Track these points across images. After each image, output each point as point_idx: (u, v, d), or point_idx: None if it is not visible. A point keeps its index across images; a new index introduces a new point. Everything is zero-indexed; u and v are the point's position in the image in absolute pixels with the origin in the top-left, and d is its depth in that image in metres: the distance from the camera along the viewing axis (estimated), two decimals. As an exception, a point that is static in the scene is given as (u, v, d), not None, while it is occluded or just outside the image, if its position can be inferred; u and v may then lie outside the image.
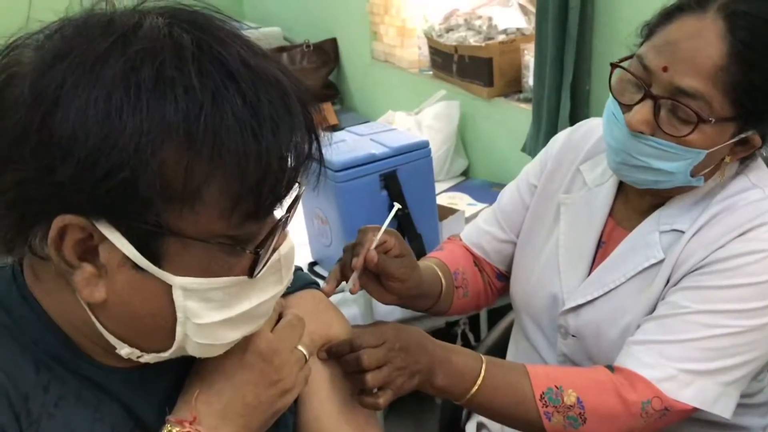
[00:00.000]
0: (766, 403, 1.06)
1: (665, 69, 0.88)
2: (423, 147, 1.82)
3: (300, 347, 0.76)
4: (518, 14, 2.32)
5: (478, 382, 0.90)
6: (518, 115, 2.23)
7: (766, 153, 1.01)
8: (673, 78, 0.87)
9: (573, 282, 1.05)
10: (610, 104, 0.95)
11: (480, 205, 2.17)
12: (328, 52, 3.39)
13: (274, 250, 0.65)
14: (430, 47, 2.60)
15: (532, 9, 2.31)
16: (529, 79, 2.23)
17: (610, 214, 1.05)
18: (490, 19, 2.33)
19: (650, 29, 0.94)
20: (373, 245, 0.91)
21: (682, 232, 0.96)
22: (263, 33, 3.70)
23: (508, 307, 1.37)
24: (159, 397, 0.71)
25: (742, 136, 0.91)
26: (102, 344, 0.65)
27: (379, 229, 0.94)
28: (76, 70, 0.54)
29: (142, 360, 0.66)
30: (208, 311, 0.62)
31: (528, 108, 2.18)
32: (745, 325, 0.89)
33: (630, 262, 0.99)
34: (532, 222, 1.14)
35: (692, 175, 0.93)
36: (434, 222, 1.87)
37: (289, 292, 0.80)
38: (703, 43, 0.86)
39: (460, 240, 1.23)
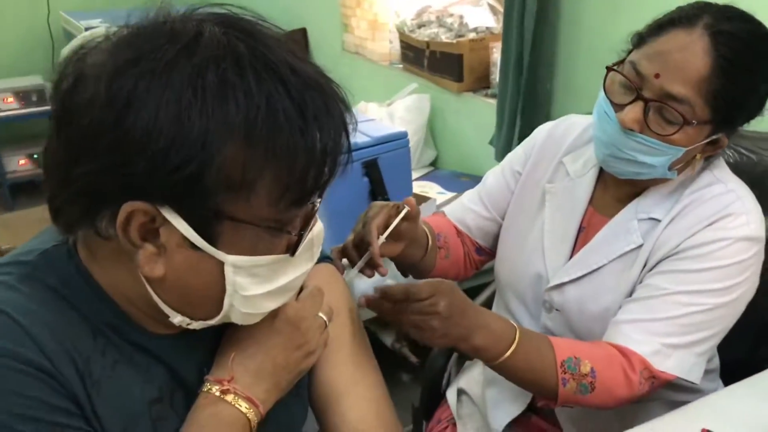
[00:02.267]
0: (715, 370, 1.21)
1: (657, 76, 1.00)
2: (402, 137, 1.94)
3: (320, 314, 0.87)
4: (488, 14, 2.45)
5: (513, 347, 1.00)
6: (486, 110, 2.37)
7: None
8: (664, 84, 0.99)
9: (557, 262, 1.18)
10: (603, 103, 1.07)
11: (449, 194, 2.30)
12: (298, 42, 3.47)
13: (304, 241, 0.73)
14: (402, 42, 2.72)
15: (501, 9, 2.45)
16: (497, 76, 2.37)
17: (590, 202, 1.18)
18: (461, 17, 2.46)
19: (642, 38, 1.05)
20: (379, 242, 1.02)
21: (659, 220, 1.09)
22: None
23: (483, 286, 1.52)
24: (199, 360, 0.80)
25: (714, 137, 1.05)
26: (152, 314, 0.74)
27: (382, 222, 1.04)
28: (147, 75, 0.62)
29: (191, 327, 0.75)
30: (253, 285, 0.72)
31: (493, 102, 2.32)
32: (715, 302, 1.03)
33: (612, 245, 1.12)
34: (517, 206, 1.26)
35: (669, 169, 1.07)
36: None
37: None
38: (691, 55, 0.98)
39: (444, 215, 1.35)
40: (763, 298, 1.10)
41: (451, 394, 1.38)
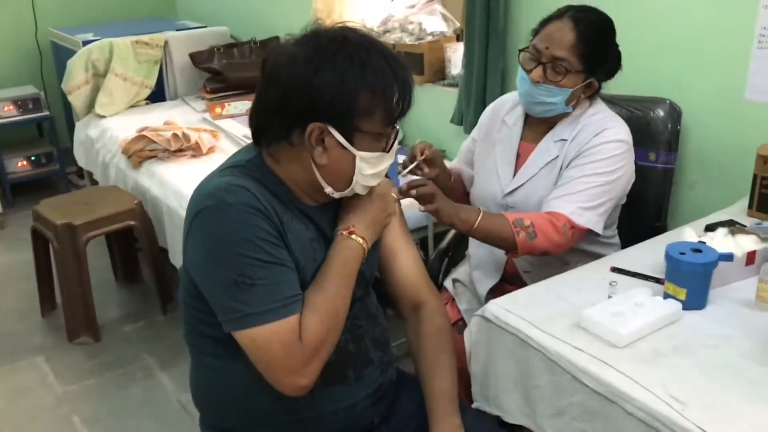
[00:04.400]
0: (616, 244, 1.88)
1: (547, 48, 1.68)
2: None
3: (393, 194, 1.45)
4: (441, 21, 3.09)
5: (480, 216, 1.62)
6: (443, 96, 3.00)
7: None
8: (552, 52, 1.67)
9: (506, 178, 1.82)
10: (521, 72, 1.74)
11: (419, 163, 2.92)
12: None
13: (393, 144, 1.29)
14: (370, 45, 3.32)
15: (451, 17, 3.09)
16: (452, 69, 3.01)
17: (522, 138, 1.84)
18: (420, 24, 3.09)
19: (536, 31, 1.74)
20: (421, 156, 1.71)
21: (566, 140, 1.75)
22: (211, 31, 4.26)
23: (446, 232, 2.16)
24: (330, 221, 1.36)
25: (588, 81, 1.72)
26: (310, 192, 1.31)
27: (423, 146, 1.73)
28: (325, 57, 1.19)
29: (334, 196, 1.31)
30: (368, 168, 1.28)
31: (450, 90, 2.96)
32: (606, 180, 1.69)
33: (539, 160, 1.78)
34: (480, 156, 1.92)
35: (566, 105, 1.72)
36: (395, 170, 2.58)
37: None
38: (564, 33, 1.67)
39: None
40: (651, 196, 1.76)
41: (448, 283, 2.01)
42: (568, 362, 1.28)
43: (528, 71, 1.71)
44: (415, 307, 1.49)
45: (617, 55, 1.73)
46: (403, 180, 1.68)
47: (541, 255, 1.71)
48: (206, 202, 1.21)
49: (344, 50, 1.20)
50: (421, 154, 1.72)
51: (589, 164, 1.69)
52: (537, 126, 1.82)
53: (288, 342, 1.18)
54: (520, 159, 1.83)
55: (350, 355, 1.36)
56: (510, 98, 1.94)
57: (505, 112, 1.91)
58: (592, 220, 1.68)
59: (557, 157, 1.76)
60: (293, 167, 1.29)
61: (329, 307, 1.24)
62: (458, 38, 3.09)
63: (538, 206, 1.74)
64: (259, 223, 1.20)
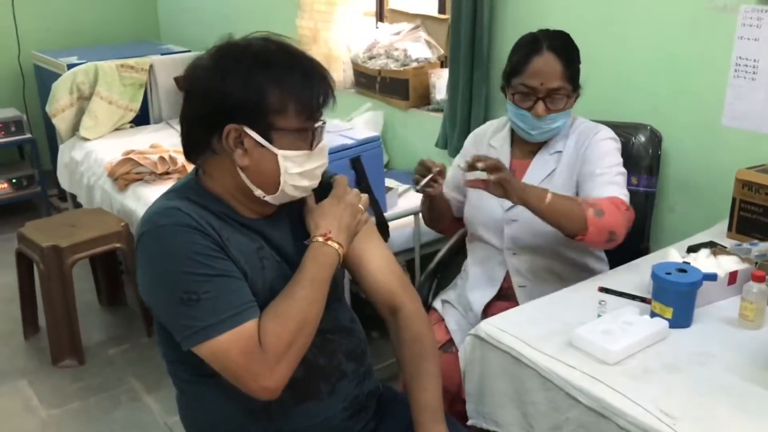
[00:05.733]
0: (603, 259, 1.96)
1: (542, 84, 1.76)
2: (376, 140, 2.58)
3: (360, 205, 1.39)
4: (426, 48, 3.16)
5: (549, 194, 1.65)
6: (428, 121, 3.06)
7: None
8: (547, 86, 1.75)
9: None
10: (516, 110, 1.80)
11: (405, 186, 2.95)
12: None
13: (318, 142, 1.28)
14: (356, 70, 3.38)
15: (435, 44, 3.17)
16: (436, 95, 3.07)
17: (512, 156, 1.91)
18: (405, 50, 3.15)
19: (513, 71, 1.81)
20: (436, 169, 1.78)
21: (561, 151, 1.85)
22: (195, 56, 4.28)
23: (434, 254, 2.20)
24: (285, 233, 1.35)
25: (576, 95, 1.81)
26: (245, 202, 1.30)
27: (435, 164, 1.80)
28: (229, 63, 1.22)
29: (266, 199, 1.28)
30: (293, 167, 1.26)
31: (435, 115, 3.02)
32: (620, 170, 1.81)
33: (540, 174, 1.85)
34: None
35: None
36: (383, 193, 2.64)
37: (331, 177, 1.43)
38: (552, 65, 1.76)
39: None
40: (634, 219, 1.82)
41: (437, 304, 2.04)
42: (561, 379, 1.32)
43: (528, 108, 1.78)
44: (393, 312, 1.47)
45: None
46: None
47: (605, 243, 1.72)
48: (142, 229, 1.24)
49: (248, 52, 1.24)
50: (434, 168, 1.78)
51: (601, 159, 1.81)
52: (524, 144, 1.90)
53: (247, 348, 1.19)
54: (515, 174, 1.87)
55: (321, 370, 1.36)
56: (490, 126, 2.03)
57: (489, 136, 1.98)
58: (623, 194, 1.78)
59: (555, 169, 1.85)
60: (224, 177, 1.30)
61: (294, 313, 1.24)
62: (442, 64, 3.16)
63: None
64: (194, 239, 1.21)
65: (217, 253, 1.22)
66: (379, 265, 1.47)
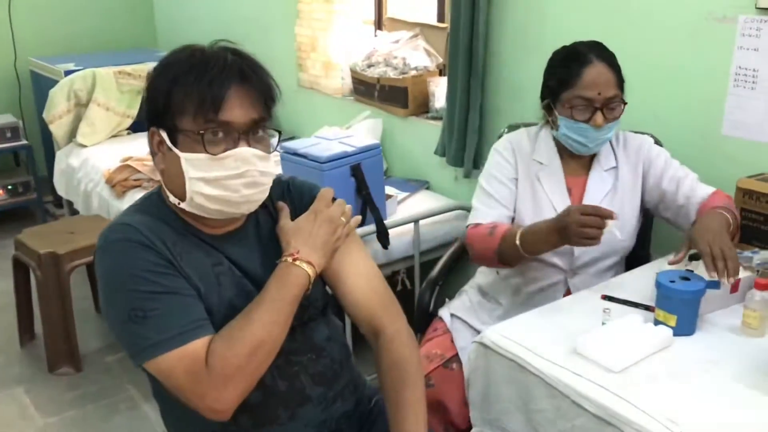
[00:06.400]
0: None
1: (599, 94, 1.75)
2: (376, 148, 2.58)
3: (342, 218, 1.33)
4: (425, 56, 3.17)
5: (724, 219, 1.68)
6: (427, 129, 3.06)
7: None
8: (604, 95, 1.75)
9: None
10: (571, 124, 1.77)
11: (403, 193, 2.95)
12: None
13: (226, 149, 1.19)
14: (354, 78, 3.38)
15: (434, 53, 3.18)
16: (435, 103, 3.08)
17: (565, 173, 1.88)
18: (404, 58, 3.16)
19: (563, 85, 1.77)
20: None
21: (616, 167, 1.87)
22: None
23: (435, 261, 2.19)
24: (248, 252, 1.30)
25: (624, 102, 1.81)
26: (197, 220, 1.26)
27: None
28: (157, 72, 1.22)
29: (181, 206, 1.24)
30: (195, 171, 1.20)
31: (434, 123, 3.03)
32: (686, 168, 1.88)
33: (599, 192, 1.85)
34: (522, 194, 1.88)
35: None
36: (383, 200, 2.64)
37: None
38: (606, 74, 1.75)
39: (481, 224, 1.85)
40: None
41: (444, 314, 2.02)
42: (566, 387, 1.32)
43: (585, 120, 1.76)
44: (375, 334, 1.38)
45: None
46: None
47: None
48: (97, 245, 1.24)
49: (176, 56, 1.23)
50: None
51: (670, 164, 1.88)
52: (572, 159, 1.89)
53: (191, 368, 1.16)
54: (573, 192, 1.88)
55: (280, 394, 1.31)
56: (522, 136, 1.94)
57: (529, 152, 1.91)
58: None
59: (613, 185, 1.87)
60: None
61: (245, 335, 1.18)
62: (441, 72, 3.17)
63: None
64: (142, 255, 1.19)
65: (167, 270, 1.20)
66: (357, 282, 1.38)
